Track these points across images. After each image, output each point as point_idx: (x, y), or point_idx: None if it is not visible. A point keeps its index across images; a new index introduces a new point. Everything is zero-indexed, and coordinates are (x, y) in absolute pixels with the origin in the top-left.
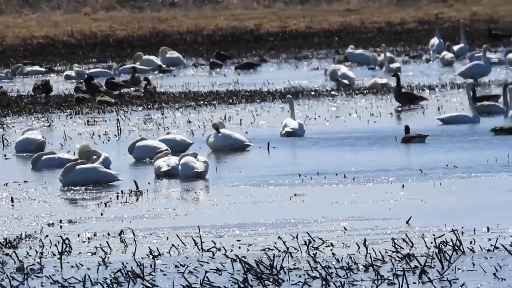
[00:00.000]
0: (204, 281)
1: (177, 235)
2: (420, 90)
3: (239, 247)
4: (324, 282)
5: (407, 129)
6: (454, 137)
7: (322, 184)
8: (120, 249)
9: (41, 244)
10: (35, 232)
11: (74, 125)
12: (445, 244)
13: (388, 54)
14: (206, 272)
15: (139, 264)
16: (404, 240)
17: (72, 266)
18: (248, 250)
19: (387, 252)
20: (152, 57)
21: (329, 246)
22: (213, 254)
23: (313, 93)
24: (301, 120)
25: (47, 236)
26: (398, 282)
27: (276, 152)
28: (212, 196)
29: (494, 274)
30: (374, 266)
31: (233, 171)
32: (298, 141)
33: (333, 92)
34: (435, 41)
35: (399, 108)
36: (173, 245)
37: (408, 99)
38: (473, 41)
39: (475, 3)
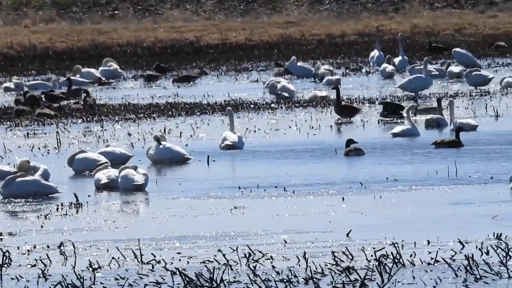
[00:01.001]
0: None
1: (117, 247)
2: (360, 103)
3: (179, 260)
4: None
5: (348, 142)
6: (395, 150)
7: (262, 197)
8: (60, 261)
9: None
10: None
11: (14, 138)
12: (385, 257)
13: (328, 67)
14: (145, 285)
15: (78, 276)
16: (344, 253)
17: (12, 279)
18: (188, 262)
19: (327, 265)
20: (92, 70)
21: (269, 259)
22: (153, 267)
23: (252, 105)
24: (241, 133)
25: None
26: None
27: (216, 165)
28: (152, 208)
29: (434, 287)
30: (314, 279)
31: (173, 184)
32: (238, 154)
33: (272, 105)
34: (375, 53)
35: (339, 121)
36: (113, 258)
37: (348, 111)
38: (413, 53)
39: (416, 16)
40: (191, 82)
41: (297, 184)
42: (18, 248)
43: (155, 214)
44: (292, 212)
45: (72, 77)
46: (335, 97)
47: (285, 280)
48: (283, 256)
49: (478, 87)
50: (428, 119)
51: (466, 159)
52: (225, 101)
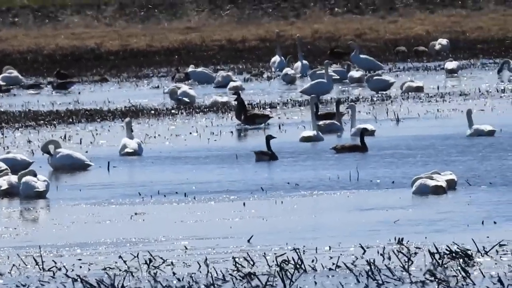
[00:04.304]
0: None
1: (18, 254)
2: (262, 108)
3: (80, 267)
4: None
5: (267, 138)
6: (297, 155)
7: (163, 203)
8: None
9: None
10: None
11: None
12: (286, 262)
13: (224, 73)
14: None
15: None
16: (245, 258)
17: None
18: (89, 269)
19: (228, 271)
20: None
21: (169, 265)
22: (54, 274)
23: (153, 111)
24: (140, 139)
25: None
26: None
27: (116, 171)
28: (53, 215)
29: None
30: (215, 285)
31: (73, 190)
32: (138, 160)
33: (173, 111)
34: (276, 58)
35: (240, 127)
36: (14, 265)
37: (249, 117)
38: (314, 58)
39: (317, 21)
40: (66, 89)
41: (198, 190)
42: None
43: (56, 220)
44: (193, 218)
45: None
46: (236, 103)
47: (186, 286)
48: (184, 262)
49: (379, 92)
50: (319, 125)
51: (367, 164)
52: (125, 107)
